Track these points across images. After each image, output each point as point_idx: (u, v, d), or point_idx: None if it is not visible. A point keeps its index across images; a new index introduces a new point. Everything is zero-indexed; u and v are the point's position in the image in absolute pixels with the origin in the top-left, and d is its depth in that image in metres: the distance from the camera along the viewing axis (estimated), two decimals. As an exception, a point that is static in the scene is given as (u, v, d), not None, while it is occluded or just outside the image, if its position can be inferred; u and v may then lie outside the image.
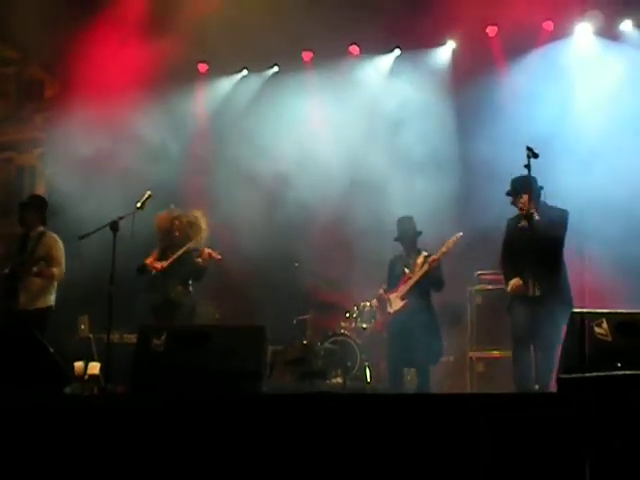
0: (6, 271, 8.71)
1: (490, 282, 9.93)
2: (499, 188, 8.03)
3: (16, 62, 13.31)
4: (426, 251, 8.84)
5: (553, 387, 6.81)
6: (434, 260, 8.58)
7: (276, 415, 5.29)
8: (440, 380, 9.97)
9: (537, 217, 7.49)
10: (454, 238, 8.63)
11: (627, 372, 5.10)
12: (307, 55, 12.39)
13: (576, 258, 7.99)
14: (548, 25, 11.13)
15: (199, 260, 8.71)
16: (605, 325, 5.45)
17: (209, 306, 10.88)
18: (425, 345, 8.39)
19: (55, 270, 8.72)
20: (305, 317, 11.16)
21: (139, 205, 8.11)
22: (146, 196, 8.21)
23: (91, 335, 10.79)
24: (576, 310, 5.73)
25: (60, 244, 8.83)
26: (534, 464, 4.76)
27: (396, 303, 8.81)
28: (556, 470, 4.73)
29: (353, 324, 10.78)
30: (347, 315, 10.88)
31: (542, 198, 7.70)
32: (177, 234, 8.90)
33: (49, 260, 8.72)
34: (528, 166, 7.11)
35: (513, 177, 7.71)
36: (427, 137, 10.77)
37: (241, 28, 11.08)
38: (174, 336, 6.24)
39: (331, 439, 5.10)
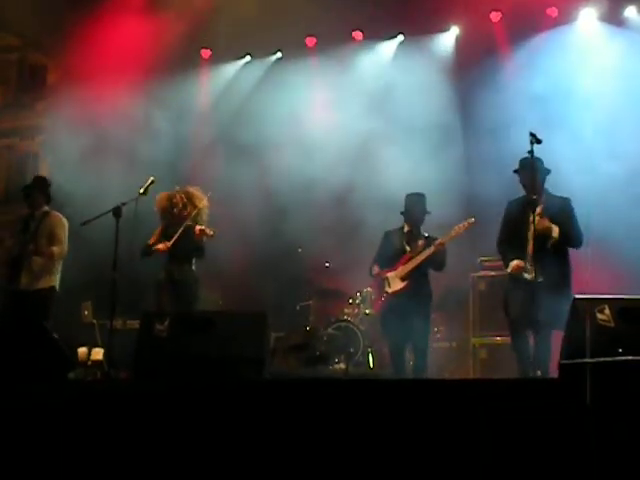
0: (14, 252, 8.70)
1: (493, 269, 9.89)
2: (502, 175, 8.03)
3: (18, 49, 13.31)
4: (427, 233, 8.59)
5: (552, 372, 6.83)
6: (441, 244, 8.31)
7: (278, 401, 5.31)
8: (442, 366, 10.00)
9: (540, 200, 7.51)
10: (465, 223, 8.36)
11: (629, 358, 5.10)
12: (310, 41, 12.37)
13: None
14: (552, 11, 11.11)
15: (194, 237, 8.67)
16: (607, 311, 5.45)
17: (212, 292, 10.88)
18: (420, 326, 8.21)
19: (55, 249, 8.62)
20: (308, 303, 11.17)
21: (142, 191, 8.10)
22: (149, 182, 8.20)
23: (94, 321, 10.82)
24: (578, 296, 5.71)
25: (64, 223, 8.77)
26: (536, 449, 4.78)
27: (395, 283, 8.49)
28: (558, 455, 4.74)
29: (356, 310, 10.79)
30: (350, 301, 10.89)
31: (545, 185, 7.71)
32: (175, 210, 8.82)
33: (51, 238, 8.65)
34: (531, 152, 7.13)
35: (521, 157, 7.70)
36: (430, 123, 10.76)
37: (244, 14, 11.07)
38: (177, 322, 6.26)
39: (333, 424, 5.12)
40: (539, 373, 7.05)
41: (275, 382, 6.16)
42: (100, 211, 8.04)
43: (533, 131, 7.09)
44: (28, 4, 10.75)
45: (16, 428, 5.45)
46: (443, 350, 10.34)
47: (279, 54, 12.72)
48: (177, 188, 9.03)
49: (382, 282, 8.66)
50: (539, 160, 7.42)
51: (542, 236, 7.38)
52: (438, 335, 9.99)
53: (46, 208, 8.89)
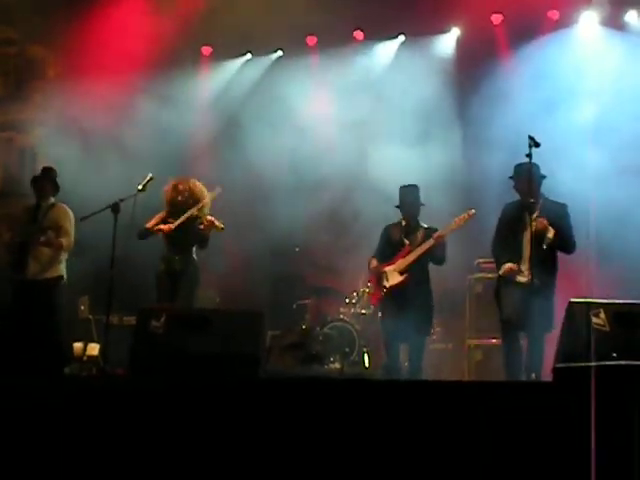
0: (16, 240, 8.78)
1: (491, 271, 9.86)
2: (500, 177, 8.04)
3: (17, 42, 13.26)
4: (426, 224, 8.50)
5: (544, 376, 6.87)
6: (440, 237, 8.19)
7: (274, 400, 5.32)
8: (438, 367, 10.00)
9: (537, 205, 7.53)
10: (465, 215, 8.25)
11: (624, 362, 5.12)
12: (311, 40, 12.36)
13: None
14: (553, 14, 11.11)
15: (201, 227, 8.67)
16: (603, 315, 5.46)
17: (209, 290, 10.88)
18: (419, 320, 8.11)
19: (64, 240, 8.72)
20: (304, 302, 11.17)
21: (140, 187, 8.12)
22: (148, 178, 8.22)
23: (91, 316, 10.81)
24: (574, 300, 5.72)
25: (70, 215, 8.82)
26: (529, 452, 4.79)
27: (393, 277, 8.39)
28: (553, 459, 4.76)
29: (352, 310, 10.79)
30: (346, 301, 10.89)
31: (541, 190, 7.74)
32: (180, 198, 8.84)
33: (58, 230, 8.72)
34: (530, 155, 7.14)
35: (517, 163, 7.73)
36: (429, 123, 10.78)
37: (245, 12, 11.07)
38: (173, 319, 6.26)
39: (328, 424, 5.13)
40: (534, 376, 7.07)
41: (270, 381, 6.17)
42: (98, 206, 8.05)
43: (532, 134, 7.11)
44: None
45: (10, 423, 5.46)
46: (438, 351, 10.34)
47: (280, 52, 12.70)
48: (182, 178, 9.04)
49: (380, 276, 8.56)
50: (535, 165, 7.43)
51: (539, 236, 7.40)
52: (434, 337, 9.98)
53: (52, 200, 8.94)
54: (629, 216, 9.42)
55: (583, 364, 5.07)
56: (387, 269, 8.49)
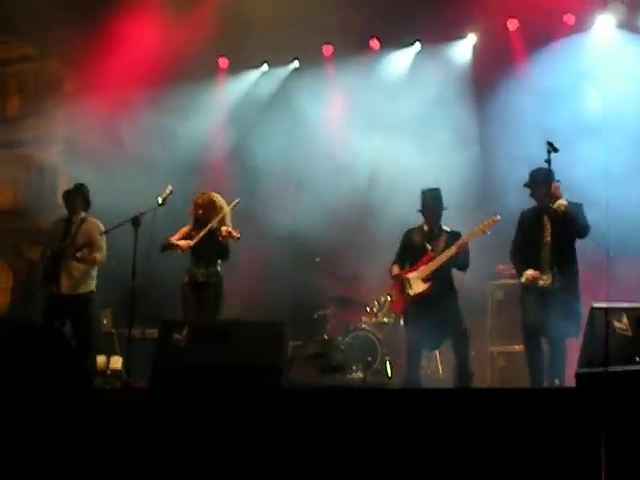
0: (48, 254, 8.89)
1: (512, 277, 9.81)
2: (519, 183, 8.01)
3: (35, 58, 13.37)
4: (449, 227, 8.39)
5: (567, 381, 6.84)
6: (464, 243, 8.08)
7: (296, 410, 5.31)
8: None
9: (562, 205, 7.53)
10: (490, 221, 8.08)
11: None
12: (327, 49, 12.38)
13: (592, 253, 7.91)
14: (569, 18, 11.07)
15: (220, 238, 8.72)
16: (625, 320, 5.44)
17: (230, 300, 10.89)
18: (453, 328, 8.04)
19: (97, 255, 8.87)
20: (326, 312, 11.15)
21: (160, 201, 8.16)
22: (167, 192, 8.26)
23: (113, 330, 10.87)
24: (596, 305, 5.69)
25: (102, 229, 8.91)
26: (552, 459, 4.76)
27: (417, 285, 8.25)
28: (574, 465, 4.73)
29: (374, 319, 10.76)
30: (368, 310, 10.86)
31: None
32: (201, 212, 8.92)
33: (91, 245, 8.85)
34: (548, 161, 7.13)
35: (532, 170, 7.73)
36: (449, 131, 10.77)
37: (261, 22, 11.10)
38: (195, 331, 6.28)
39: (352, 434, 5.12)
40: (557, 382, 7.05)
41: (293, 391, 6.17)
42: (118, 220, 8.09)
43: (550, 140, 7.10)
44: (44, 13, 10.81)
45: (33, 435, 5.48)
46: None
47: (296, 63, 12.73)
48: (203, 192, 9.10)
49: (403, 283, 8.43)
50: (551, 172, 7.39)
51: (558, 243, 7.40)
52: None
53: (83, 214, 9.05)
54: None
55: (606, 369, 5.03)
56: (410, 276, 8.38)
